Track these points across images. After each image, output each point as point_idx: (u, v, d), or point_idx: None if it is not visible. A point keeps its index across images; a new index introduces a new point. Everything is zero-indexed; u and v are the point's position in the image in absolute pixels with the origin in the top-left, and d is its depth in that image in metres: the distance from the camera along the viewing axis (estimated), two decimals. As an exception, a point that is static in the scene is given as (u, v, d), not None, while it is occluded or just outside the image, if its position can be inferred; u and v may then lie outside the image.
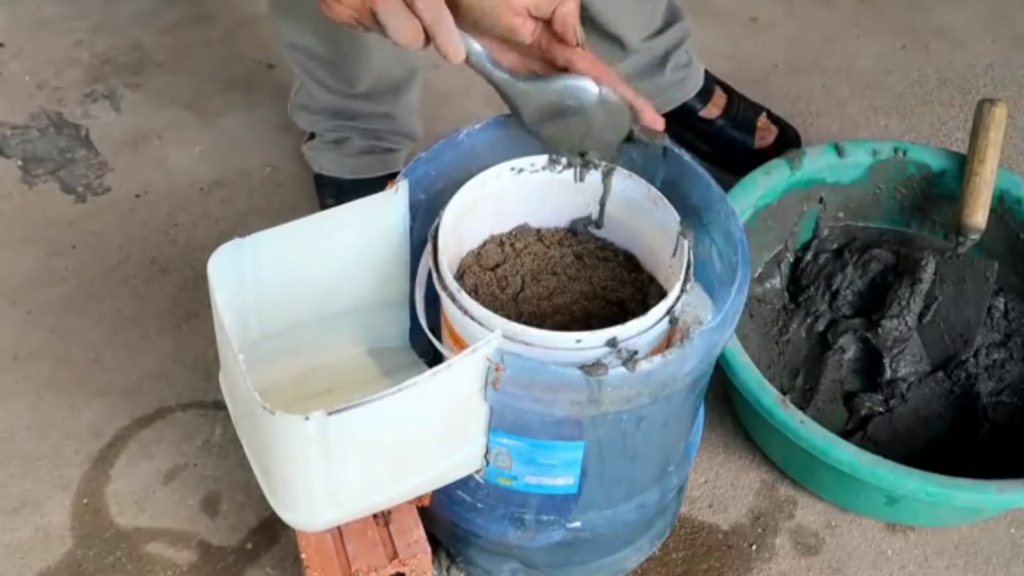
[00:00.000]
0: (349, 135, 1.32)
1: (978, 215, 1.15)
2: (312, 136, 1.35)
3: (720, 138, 1.43)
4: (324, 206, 1.35)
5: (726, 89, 1.46)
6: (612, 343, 0.77)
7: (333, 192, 1.34)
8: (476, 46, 0.79)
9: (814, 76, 1.59)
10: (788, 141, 1.44)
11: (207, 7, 1.64)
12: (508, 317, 0.78)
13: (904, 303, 1.16)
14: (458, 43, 0.76)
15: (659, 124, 0.86)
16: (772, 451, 1.16)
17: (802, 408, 1.14)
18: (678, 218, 0.84)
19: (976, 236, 1.15)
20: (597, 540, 0.97)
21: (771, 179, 1.19)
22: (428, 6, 0.73)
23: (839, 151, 1.21)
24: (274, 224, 0.83)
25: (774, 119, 1.45)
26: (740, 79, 1.50)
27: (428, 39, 0.75)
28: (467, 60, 0.79)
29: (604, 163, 0.89)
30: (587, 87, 0.83)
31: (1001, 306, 1.21)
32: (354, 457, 0.80)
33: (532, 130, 0.86)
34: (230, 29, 1.60)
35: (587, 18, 1.30)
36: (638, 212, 0.89)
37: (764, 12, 1.69)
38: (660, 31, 1.35)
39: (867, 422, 1.17)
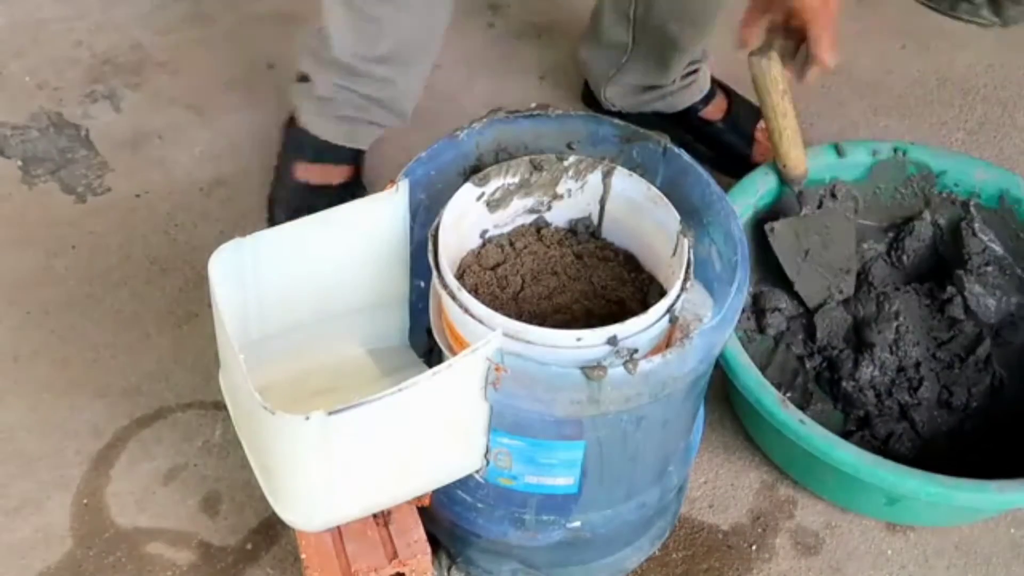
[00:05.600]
0: (344, 95, 1.28)
1: (802, 165, 1.17)
2: (305, 79, 1.30)
3: (718, 141, 1.43)
4: (283, 155, 1.34)
5: (728, 93, 1.46)
6: (612, 341, 0.77)
7: (294, 147, 1.32)
8: None
9: (814, 76, 1.59)
10: None
11: (207, 7, 1.64)
12: (508, 316, 0.78)
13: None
14: None
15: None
16: (772, 451, 1.16)
17: (802, 408, 1.14)
18: (678, 217, 0.85)
19: (804, 183, 1.18)
20: (597, 540, 0.97)
21: (771, 179, 1.19)
22: None
23: (839, 151, 1.21)
24: (274, 224, 0.83)
25: None
26: (740, 80, 1.50)
27: None
28: None
29: (605, 162, 0.89)
30: None
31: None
32: (354, 457, 0.80)
33: None
34: (230, 29, 1.60)
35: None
36: (638, 212, 0.89)
37: (764, 12, 1.68)
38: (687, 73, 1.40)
39: (867, 422, 1.17)
